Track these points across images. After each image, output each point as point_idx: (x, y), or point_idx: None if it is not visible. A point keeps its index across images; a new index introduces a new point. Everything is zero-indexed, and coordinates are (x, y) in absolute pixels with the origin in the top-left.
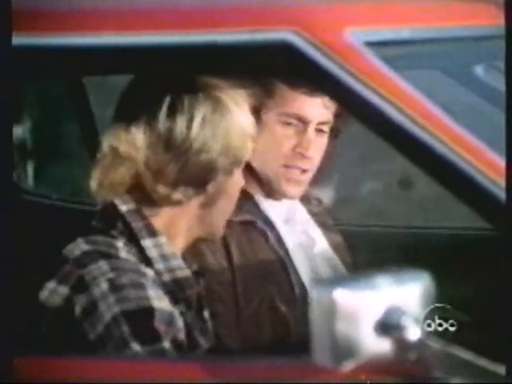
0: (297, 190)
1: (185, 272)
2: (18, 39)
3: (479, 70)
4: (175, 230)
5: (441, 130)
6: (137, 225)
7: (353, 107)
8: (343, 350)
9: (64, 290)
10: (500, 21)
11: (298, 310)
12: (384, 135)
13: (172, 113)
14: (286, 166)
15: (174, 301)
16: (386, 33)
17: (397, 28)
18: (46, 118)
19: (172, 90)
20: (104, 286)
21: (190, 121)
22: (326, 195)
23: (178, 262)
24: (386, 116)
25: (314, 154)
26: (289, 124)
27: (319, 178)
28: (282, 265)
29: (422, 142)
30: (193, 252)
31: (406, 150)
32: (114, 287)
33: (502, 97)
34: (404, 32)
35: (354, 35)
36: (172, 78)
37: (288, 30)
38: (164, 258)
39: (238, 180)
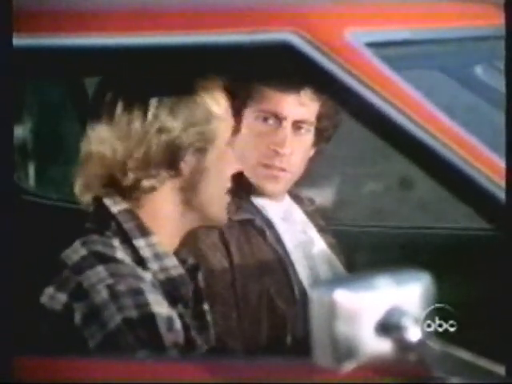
0: (276, 188)
1: (178, 270)
2: (18, 40)
3: (479, 71)
4: (167, 223)
5: (441, 130)
6: (128, 225)
7: (353, 108)
8: (343, 350)
9: (63, 296)
10: (500, 21)
11: (297, 308)
12: (384, 136)
13: (129, 103)
14: (265, 165)
15: (172, 301)
16: (386, 33)
17: (397, 28)
18: (46, 118)
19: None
20: (104, 293)
21: (145, 105)
22: (327, 196)
23: (171, 261)
24: (386, 116)
25: (290, 152)
26: (266, 121)
27: (319, 179)
28: (280, 263)
29: (421, 142)
30: (193, 253)
31: (406, 150)
32: (114, 294)
33: (502, 97)
34: (404, 32)
35: (354, 36)
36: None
37: (288, 30)
38: (157, 257)
39: (218, 159)
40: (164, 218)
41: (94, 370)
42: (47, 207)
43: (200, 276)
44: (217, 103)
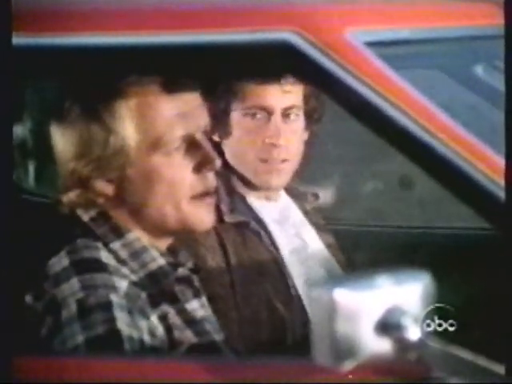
0: (280, 180)
1: (157, 262)
2: (18, 39)
3: (479, 70)
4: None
5: (440, 129)
6: (101, 230)
7: (353, 107)
8: (343, 349)
9: (39, 307)
10: (499, 20)
11: (295, 308)
12: (384, 135)
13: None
14: (263, 160)
15: (154, 302)
16: (385, 33)
17: (397, 28)
18: (45, 117)
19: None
20: (72, 308)
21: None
22: (326, 195)
23: (149, 255)
24: (385, 115)
25: (287, 142)
26: (254, 117)
27: (319, 178)
28: (277, 264)
29: (421, 141)
30: (192, 254)
31: (405, 149)
32: (83, 310)
33: (502, 96)
34: (404, 32)
35: (354, 35)
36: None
37: (288, 30)
38: (135, 255)
39: (148, 171)
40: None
41: (94, 369)
42: (46, 206)
43: (196, 279)
44: (120, 123)
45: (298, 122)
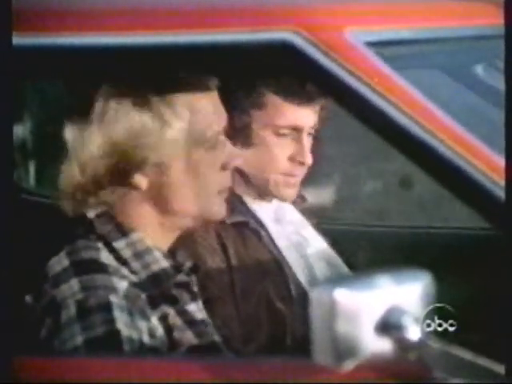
0: (293, 193)
1: (160, 264)
2: (18, 39)
3: (479, 70)
4: (149, 223)
5: (441, 129)
6: (106, 228)
7: (353, 107)
8: (343, 349)
9: (38, 307)
10: (500, 20)
11: (295, 308)
12: (384, 135)
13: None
14: (285, 174)
15: (154, 303)
16: (386, 32)
17: (397, 28)
18: (46, 117)
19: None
20: (72, 309)
21: (83, 130)
22: (327, 195)
23: (152, 256)
24: (386, 115)
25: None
26: (284, 135)
27: (319, 178)
28: (277, 263)
29: (422, 141)
30: (192, 256)
31: (406, 149)
32: (82, 311)
33: (502, 96)
34: (404, 32)
35: (355, 35)
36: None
37: (288, 29)
38: (138, 255)
39: (190, 168)
40: (144, 219)
41: (94, 369)
42: (46, 206)
43: (194, 279)
44: (175, 115)
45: (311, 138)
